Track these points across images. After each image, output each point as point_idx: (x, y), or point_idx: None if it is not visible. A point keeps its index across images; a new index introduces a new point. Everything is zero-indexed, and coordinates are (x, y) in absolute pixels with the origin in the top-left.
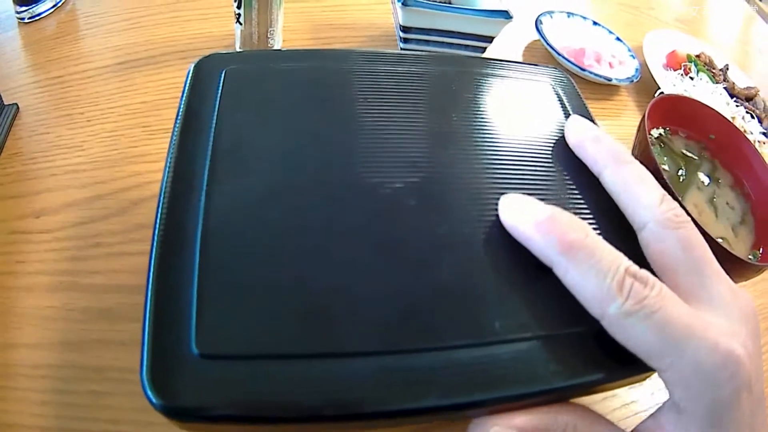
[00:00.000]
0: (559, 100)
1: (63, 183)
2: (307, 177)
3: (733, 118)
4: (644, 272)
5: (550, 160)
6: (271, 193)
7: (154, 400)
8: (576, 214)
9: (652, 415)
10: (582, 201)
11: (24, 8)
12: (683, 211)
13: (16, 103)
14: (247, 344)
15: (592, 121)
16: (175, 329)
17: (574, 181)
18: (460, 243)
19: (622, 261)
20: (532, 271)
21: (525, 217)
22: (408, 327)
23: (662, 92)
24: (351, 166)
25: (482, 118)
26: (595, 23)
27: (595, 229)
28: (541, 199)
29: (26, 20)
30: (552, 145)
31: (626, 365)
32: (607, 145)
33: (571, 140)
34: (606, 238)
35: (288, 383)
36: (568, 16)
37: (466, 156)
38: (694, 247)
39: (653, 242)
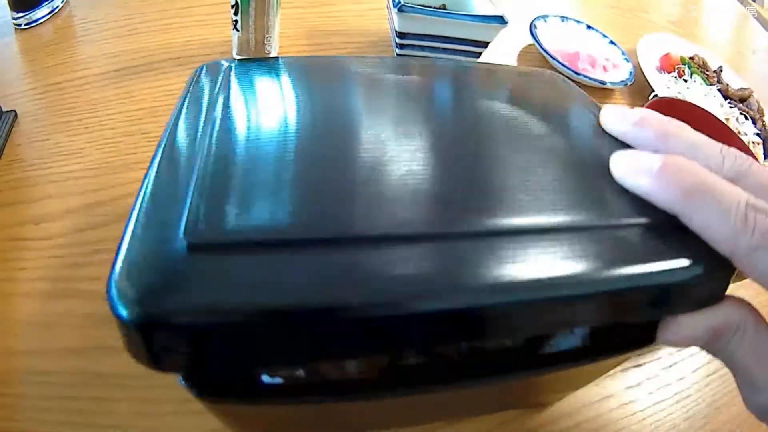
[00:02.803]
0: (558, 102)
1: (63, 190)
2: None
3: (727, 119)
4: (764, 203)
5: (558, 160)
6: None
7: (124, 311)
8: (593, 200)
9: None
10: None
11: (21, 14)
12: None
13: (14, 110)
14: (251, 230)
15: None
16: (160, 222)
17: (590, 177)
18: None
19: (740, 196)
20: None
21: (640, 171)
22: (440, 212)
23: (656, 95)
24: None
25: (485, 120)
26: (589, 27)
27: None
28: (557, 195)
29: (23, 26)
30: (562, 146)
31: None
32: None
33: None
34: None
35: (300, 273)
36: (562, 21)
37: (471, 156)
38: None
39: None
